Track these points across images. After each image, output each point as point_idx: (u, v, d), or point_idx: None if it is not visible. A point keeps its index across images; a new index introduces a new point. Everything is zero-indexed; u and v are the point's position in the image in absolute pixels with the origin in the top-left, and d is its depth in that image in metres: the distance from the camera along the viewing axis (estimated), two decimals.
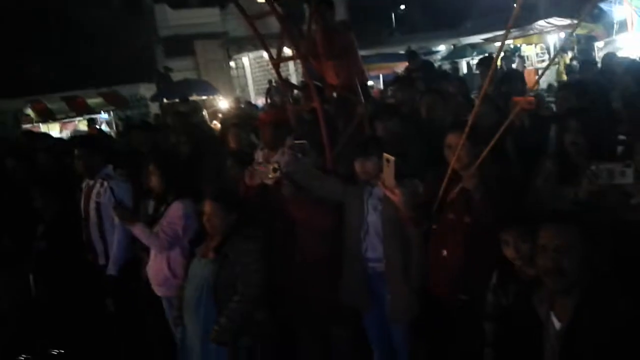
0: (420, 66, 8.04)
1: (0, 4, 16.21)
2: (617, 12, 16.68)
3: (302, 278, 3.57)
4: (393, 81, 5.50)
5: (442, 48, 27.01)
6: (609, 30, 17.91)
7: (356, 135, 4.33)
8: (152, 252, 3.97)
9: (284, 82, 4.69)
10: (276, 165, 3.39)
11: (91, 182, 4.60)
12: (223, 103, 15.75)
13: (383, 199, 3.30)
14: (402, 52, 20.92)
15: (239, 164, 4.10)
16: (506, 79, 5.17)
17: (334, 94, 4.78)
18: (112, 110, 17.39)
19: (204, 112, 12.23)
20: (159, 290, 4.01)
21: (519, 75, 5.29)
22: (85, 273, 4.54)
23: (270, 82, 21.34)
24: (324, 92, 4.56)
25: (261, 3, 4.43)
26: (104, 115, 17.29)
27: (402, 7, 35.35)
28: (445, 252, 3.09)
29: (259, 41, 4.59)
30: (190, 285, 3.40)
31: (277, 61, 4.56)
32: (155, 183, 3.94)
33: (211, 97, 17.07)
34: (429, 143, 4.27)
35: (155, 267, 3.95)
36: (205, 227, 3.38)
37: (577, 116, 3.18)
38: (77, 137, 9.99)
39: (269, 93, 12.57)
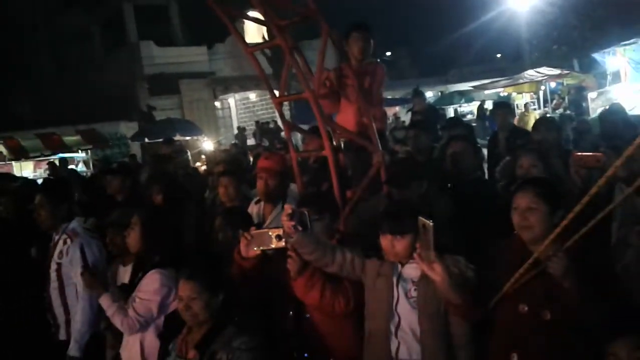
0: (426, 109, 7.45)
1: None
2: (610, 63, 16.52)
3: None
4: (408, 127, 4.83)
5: (429, 95, 26.96)
6: (600, 81, 17.79)
7: (373, 190, 3.60)
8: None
9: (287, 123, 3.97)
10: (280, 233, 2.59)
11: (56, 237, 3.80)
12: (207, 144, 15.06)
13: (419, 282, 2.52)
14: (389, 97, 20.71)
15: (231, 225, 3.31)
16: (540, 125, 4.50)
17: (342, 141, 4.06)
18: (90, 149, 16.50)
19: (188, 154, 11.56)
20: None
21: (552, 123, 4.64)
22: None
23: (257, 122, 20.86)
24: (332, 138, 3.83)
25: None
26: (80, 155, 16.39)
27: (388, 53, 35.59)
28: (515, 358, 2.31)
29: (260, 76, 3.88)
30: None
31: (280, 99, 3.85)
32: (134, 241, 3.12)
33: (195, 138, 16.37)
34: (457, 202, 3.59)
35: (128, 352, 3.10)
36: (182, 316, 2.55)
37: None
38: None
39: (257, 134, 11.94)
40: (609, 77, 16.70)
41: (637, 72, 14.79)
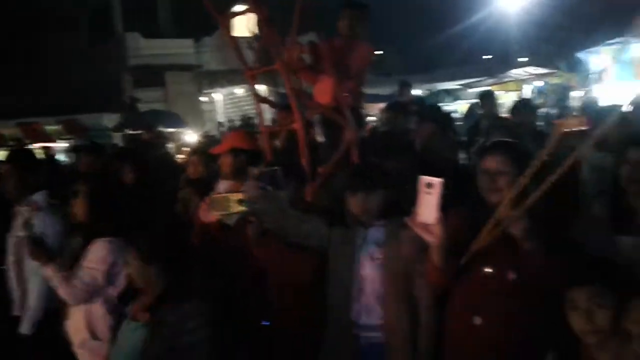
0: (413, 100, 7.42)
1: None
2: (594, 63, 16.63)
3: (270, 349, 2.66)
4: (385, 108, 4.77)
5: (417, 92, 27.01)
6: (585, 80, 17.93)
7: (344, 165, 3.53)
8: None
9: (257, 96, 3.88)
10: (241, 197, 2.51)
11: (19, 209, 3.68)
12: (191, 136, 14.92)
13: (384, 243, 2.47)
14: (378, 93, 20.71)
15: (198, 194, 3.23)
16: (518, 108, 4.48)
17: (317, 116, 3.99)
18: (71, 140, 16.29)
19: (170, 145, 11.45)
20: (80, 355, 3.03)
21: (529, 106, 4.62)
22: None
23: (243, 117, 20.71)
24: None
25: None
26: (61, 145, 16.19)
27: (378, 52, 35.64)
28: (478, 320, 2.25)
29: (233, 47, 3.78)
30: (117, 355, 2.47)
31: (254, 72, 3.76)
32: (80, 212, 3.03)
33: (179, 130, 16.21)
34: None
35: (73, 324, 3.00)
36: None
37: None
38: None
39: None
40: (593, 77, 16.83)
41: (622, 71, 14.91)
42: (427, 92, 27.56)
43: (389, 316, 2.43)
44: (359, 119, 4.10)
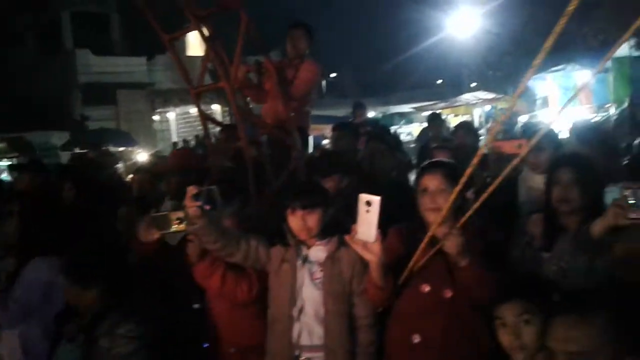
0: (367, 121, 7.54)
1: None
2: (539, 89, 17.30)
3: None
4: (333, 128, 4.81)
5: (371, 114, 27.44)
6: (531, 105, 18.61)
7: (290, 185, 3.53)
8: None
9: (202, 115, 3.85)
10: (181, 216, 2.47)
11: None
12: (141, 156, 14.63)
13: (325, 262, 2.47)
14: (334, 115, 20.90)
15: (140, 213, 3.15)
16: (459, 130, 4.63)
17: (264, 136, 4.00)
18: (17, 158, 15.70)
19: (120, 164, 11.16)
20: None
21: (470, 128, 4.77)
22: None
23: (197, 137, 20.47)
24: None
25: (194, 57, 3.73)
26: (3, 163, 15.58)
27: (332, 74, 36.14)
28: (417, 338, 2.26)
29: (178, 69, 3.76)
30: None
31: (197, 90, 3.74)
32: (11, 231, 2.91)
33: (129, 149, 15.89)
34: None
35: (7, 346, 2.86)
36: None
37: (570, 165, 2.54)
38: None
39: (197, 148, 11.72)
40: (539, 102, 17.50)
41: (565, 97, 15.52)
42: (381, 114, 28.06)
43: (330, 336, 2.41)
44: (306, 138, 4.13)
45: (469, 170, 2.09)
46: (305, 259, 2.50)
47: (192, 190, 2.33)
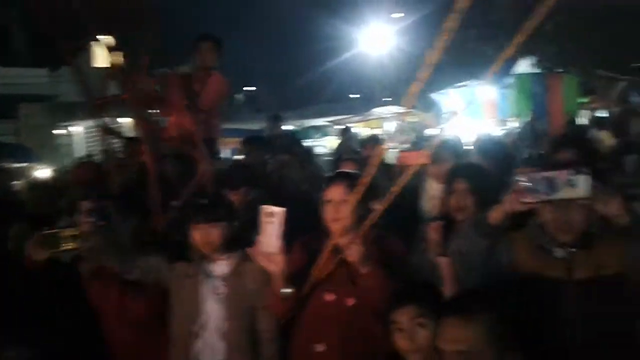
0: (283, 134, 7.54)
1: None
2: (445, 103, 18.12)
3: None
4: (242, 141, 4.78)
5: (287, 128, 27.54)
6: (439, 119, 19.47)
7: (197, 199, 3.46)
8: None
9: (104, 129, 3.70)
10: (75, 233, 2.34)
11: None
12: (43, 172, 13.81)
13: (228, 277, 2.44)
14: (248, 128, 20.79)
15: (32, 230, 2.95)
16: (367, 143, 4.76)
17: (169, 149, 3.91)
18: None
19: (17, 181, 10.47)
20: None
21: (377, 140, 4.92)
22: None
23: (106, 151, 19.62)
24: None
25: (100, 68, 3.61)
26: None
27: (252, 88, 36.06)
28: (320, 347, 2.27)
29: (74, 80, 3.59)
30: None
31: (98, 102, 3.59)
32: None
33: (30, 165, 14.94)
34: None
35: None
36: None
37: (464, 175, 2.67)
38: None
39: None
40: (445, 116, 18.32)
41: (470, 110, 16.38)
42: (297, 128, 28.24)
43: (232, 352, 2.38)
44: (214, 151, 4.08)
45: (365, 180, 2.14)
46: (209, 274, 2.46)
47: (85, 205, 2.23)
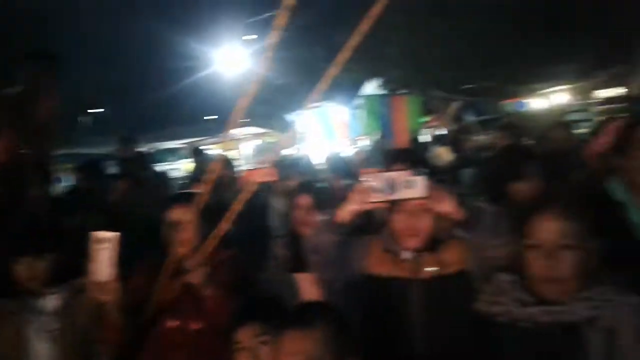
0: (136, 156, 7.12)
1: None
2: (300, 123, 18.60)
3: None
4: (77, 168, 4.45)
5: (140, 150, 26.42)
6: (294, 139, 19.92)
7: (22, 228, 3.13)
8: None
9: None
10: None
11: None
12: None
13: (60, 311, 2.22)
14: (98, 152, 19.56)
15: None
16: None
17: None
18: None
19: None
20: None
21: (229, 160, 4.90)
22: None
23: None
24: None
25: None
26: None
27: (99, 110, 34.05)
28: None
29: None
30: None
31: None
32: None
33: None
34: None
35: None
36: None
37: (306, 192, 2.73)
38: None
39: None
40: (300, 135, 18.80)
41: (323, 130, 16.99)
42: (151, 150, 27.19)
43: None
44: (46, 176, 3.74)
45: (203, 198, 2.10)
46: (36, 311, 2.22)
47: None
